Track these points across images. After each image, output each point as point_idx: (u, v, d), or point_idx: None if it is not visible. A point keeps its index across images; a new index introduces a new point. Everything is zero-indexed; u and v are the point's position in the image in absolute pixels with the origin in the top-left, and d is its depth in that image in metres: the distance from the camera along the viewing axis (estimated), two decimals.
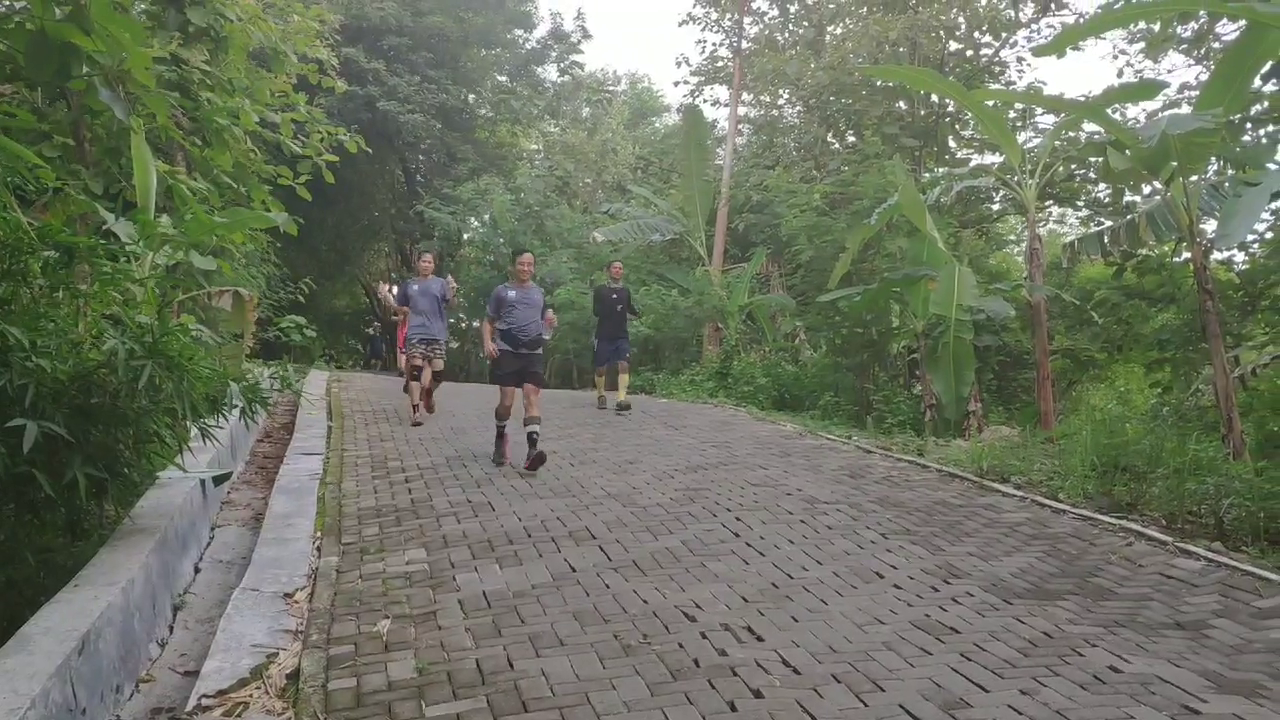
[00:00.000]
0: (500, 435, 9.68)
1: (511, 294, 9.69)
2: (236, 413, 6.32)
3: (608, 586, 5.84)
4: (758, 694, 4.30)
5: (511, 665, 4.60)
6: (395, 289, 22.49)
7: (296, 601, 5.58)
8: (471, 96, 32.46)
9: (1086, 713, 4.19)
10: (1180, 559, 6.53)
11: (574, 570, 6.15)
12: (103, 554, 5.07)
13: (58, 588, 4.54)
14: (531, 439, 9.23)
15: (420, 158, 33.01)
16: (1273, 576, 6.03)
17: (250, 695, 4.36)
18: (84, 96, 8.92)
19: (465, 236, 29.90)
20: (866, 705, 4.21)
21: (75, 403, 5.17)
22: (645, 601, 5.56)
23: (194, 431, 6.20)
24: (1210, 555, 6.51)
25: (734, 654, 4.77)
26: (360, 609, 5.46)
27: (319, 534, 6.97)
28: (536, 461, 9.10)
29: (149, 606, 5.02)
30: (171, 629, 5.38)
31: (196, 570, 6.37)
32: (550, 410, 13.81)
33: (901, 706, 4.19)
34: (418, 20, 29.57)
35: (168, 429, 5.89)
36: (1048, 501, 8.22)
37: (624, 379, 13.95)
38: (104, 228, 8.38)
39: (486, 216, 27.42)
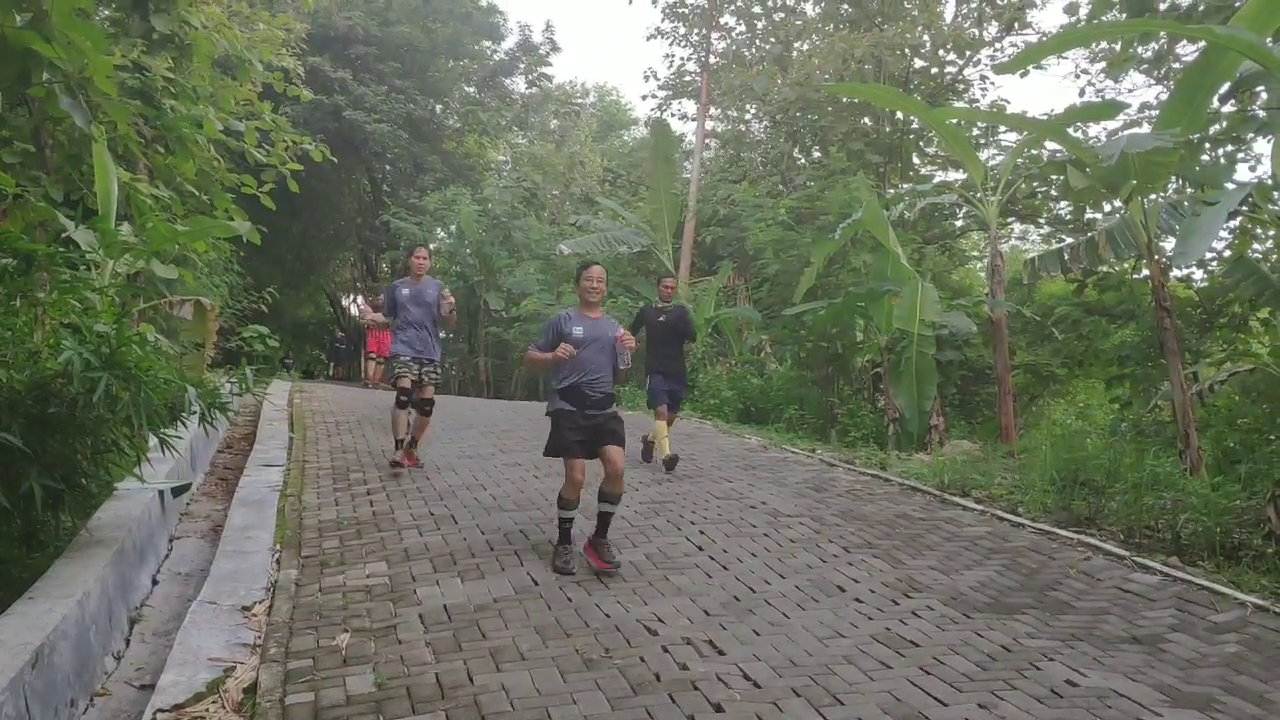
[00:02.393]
0: (566, 533, 6.68)
1: (578, 330, 6.69)
2: (196, 421, 6.25)
3: (570, 600, 5.83)
4: (718, 708, 4.30)
5: (471, 680, 4.58)
6: (379, 296, 22.05)
7: (255, 615, 5.52)
8: (439, 107, 32.42)
9: None
10: (1137, 573, 6.60)
11: (536, 584, 6.14)
12: (58, 566, 5.00)
13: (13, 600, 4.48)
14: (604, 521, 6.64)
15: (387, 167, 32.90)
16: (1228, 591, 6.11)
17: (206, 709, 4.31)
18: (45, 103, 8.83)
19: (432, 247, 29.77)
20: (826, 719, 4.23)
21: (32, 413, 5.10)
22: (607, 615, 5.56)
23: (153, 442, 6.13)
24: (1167, 570, 6.59)
25: (695, 668, 4.77)
26: (319, 622, 5.41)
27: (279, 547, 6.91)
28: (609, 558, 6.45)
29: (105, 619, 4.96)
30: (128, 642, 5.31)
31: (154, 583, 6.30)
32: (516, 421, 13.77)
33: None
34: (385, 30, 29.51)
35: (126, 439, 5.82)
36: (1008, 515, 8.28)
37: (663, 425, 10.47)
38: (64, 235, 8.29)
39: (453, 227, 27.34)
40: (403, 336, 9.59)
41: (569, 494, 6.64)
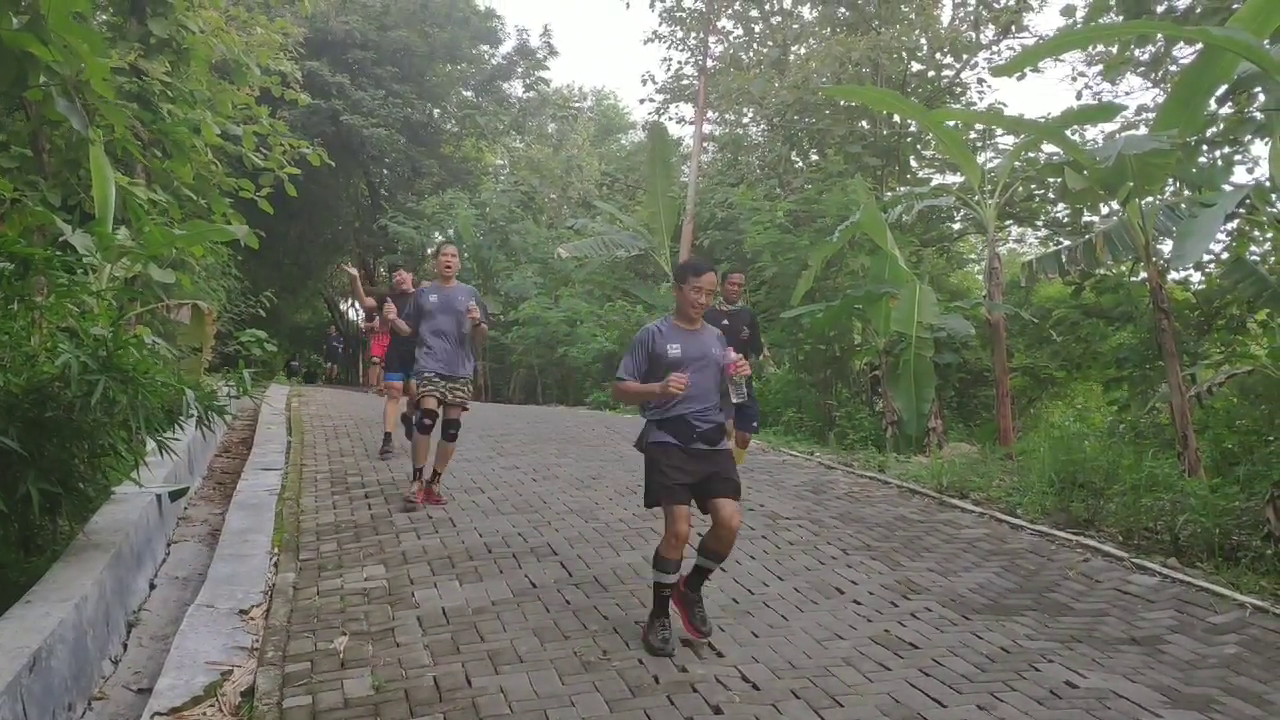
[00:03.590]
0: (665, 604, 5.25)
1: (674, 349, 5.37)
2: (193, 424, 6.25)
3: (568, 602, 5.82)
4: (717, 710, 4.30)
5: (470, 682, 4.57)
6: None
7: (252, 618, 5.52)
8: (436, 111, 32.43)
9: None
10: (1136, 575, 6.60)
11: (535, 586, 6.13)
12: (56, 570, 5.00)
13: (10, 604, 4.47)
14: (701, 575, 5.40)
15: (384, 171, 32.93)
16: (1226, 592, 6.11)
17: (204, 713, 4.31)
18: (42, 107, 8.83)
19: (429, 251, 29.79)
20: None
21: (29, 416, 5.09)
22: (605, 617, 5.55)
23: (151, 446, 6.12)
24: (1166, 571, 6.58)
25: (694, 670, 4.77)
26: (317, 626, 5.40)
27: (276, 550, 6.91)
28: (699, 622, 5.28)
29: (102, 623, 4.95)
30: (125, 646, 5.30)
31: (152, 586, 6.29)
32: (513, 425, 13.77)
33: None
34: (383, 35, 29.52)
35: (124, 443, 5.81)
36: (1006, 517, 8.28)
37: (737, 452, 8.58)
38: (61, 239, 8.28)
39: (451, 231, 27.34)
40: (427, 349, 8.34)
41: (670, 552, 5.17)
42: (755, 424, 9.96)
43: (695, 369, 5.32)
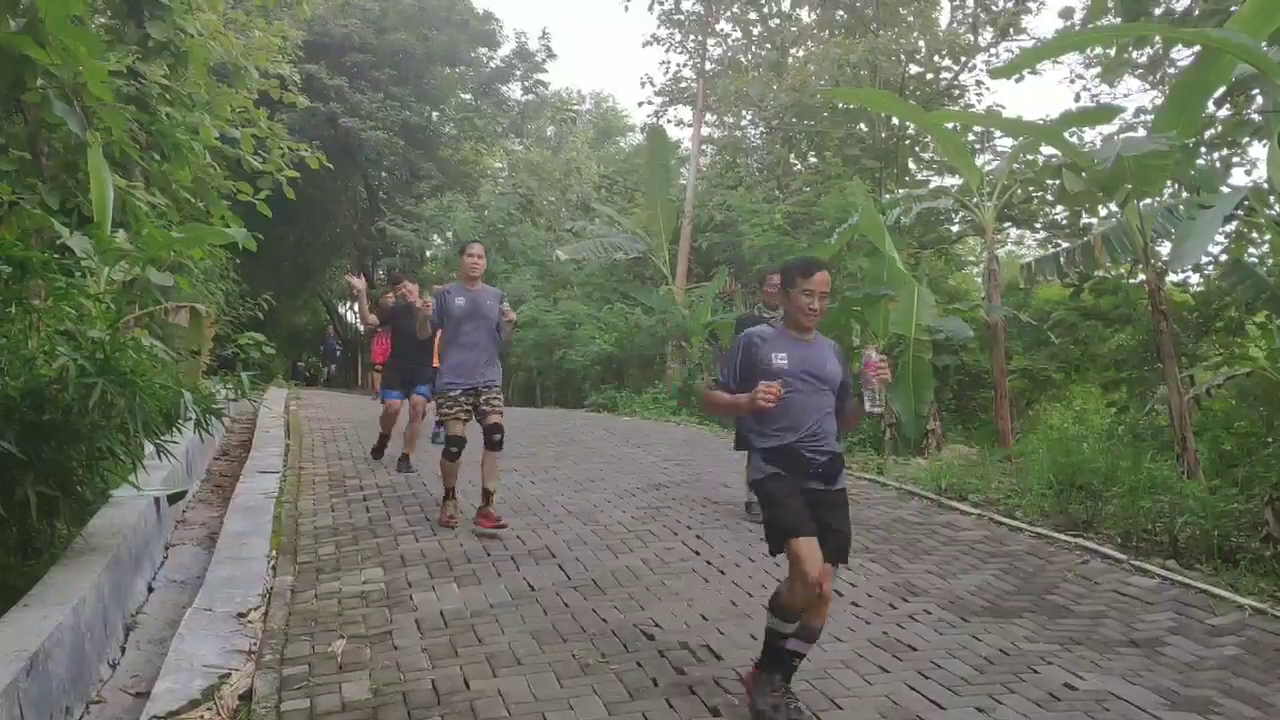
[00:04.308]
0: (782, 659, 4.38)
1: (780, 359, 4.45)
2: (191, 427, 6.24)
3: (567, 605, 5.81)
4: (715, 712, 4.29)
5: (468, 685, 4.56)
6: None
7: (250, 621, 5.51)
8: (435, 114, 32.43)
9: None
10: (1135, 577, 6.59)
11: (533, 589, 6.12)
12: (53, 573, 4.98)
13: (8, 607, 4.46)
14: (808, 640, 4.47)
15: (383, 174, 32.93)
16: (1225, 594, 6.10)
17: (202, 716, 4.30)
18: (40, 109, 8.82)
19: (428, 254, 29.82)
20: None
21: (27, 419, 5.08)
22: (604, 620, 5.54)
23: (149, 449, 6.11)
24: (1164, 573, 6.58)
25: (692, 673, 4.76)
26: (315, 629, 5.40)
27: (275, 553, 6.90)
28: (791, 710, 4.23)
29: (100, 626, 4.94)
30: (123, 649, 5.29)
31: (150, 590, 6.28)
32: (511, 427, 13.75)
33: None
34: (381, 38, 29.54)
35: (122, 446, 5.80)
36: (1005, 519, 8.27)
37: None
38: (59, 242, 8.28)
39: (449, 234, 27.35)
40: (452, 361, 7.46)
41: (795, 597, 4.23)
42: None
43: (807, 388, 4.40)
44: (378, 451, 10.56)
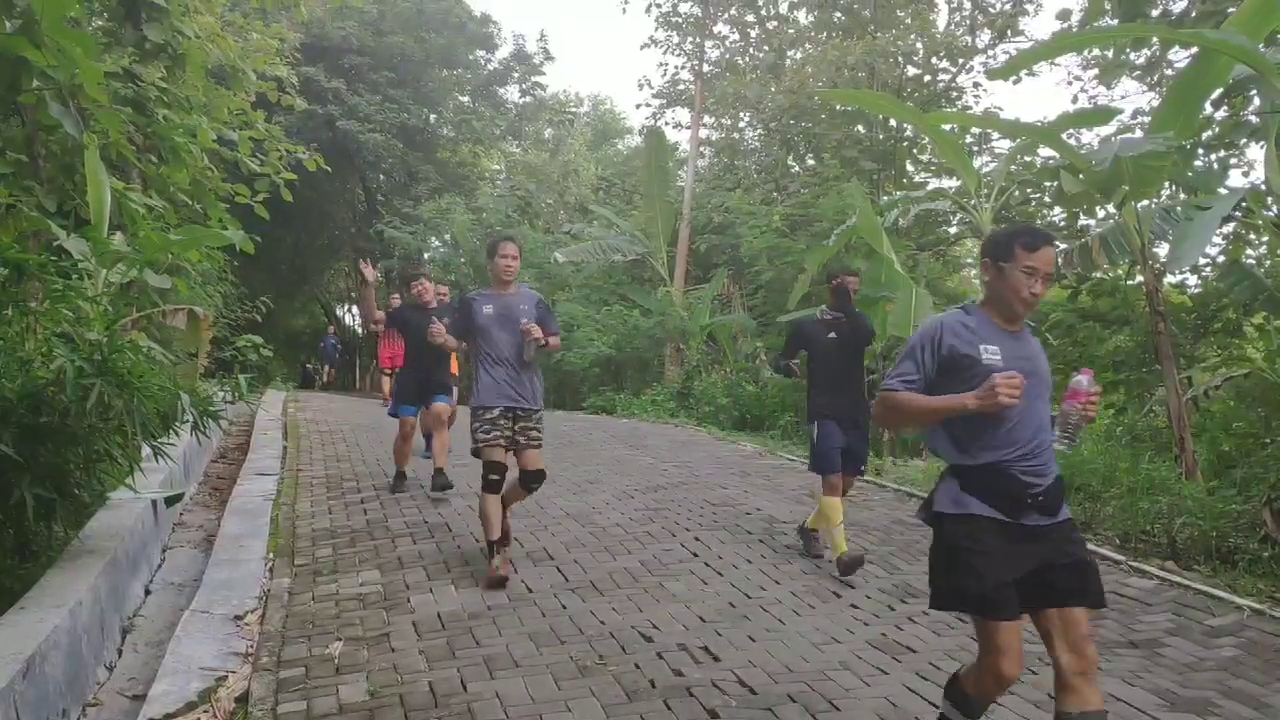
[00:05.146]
0: None
1: (991, 354, 3.47)
2: (189, 430, 6.23)
3: (564, 607, 5.81)
4: (714, 714, 4.28)
5: (465, 687, 4.55)
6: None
7: (247, 624, 5.50)
8: (433, 116, 32.42)
9: None
10: (1134, 578, 6.60)
11: (530, 591, 6.12)
12: (50, 575, 4.97)
13: (4, 609, 4.45)
14: None
15: (381, 177, 32.91)
16: (1224, 595, 6.10)
17: (198, 719, 4.29)
18: (36, 111, 8.82)
19: (426, 256, 29.80)
20: None
21: (24, 422, 5.07)
22: (602, 622, 5.53)
23: (146, 451, 6.10)
24: (1163, 574, 6.58)
25: (690, 674, 4.75)
26: (312, 631, 5.39)
27: (272, 555, 6.89)
28: None
29: (97, 629, 4.93)
30: (120, 652, 5.28)
31: (147, 592, 6.27)
32: None
33: None
34: (379, 40, 29.54)
35: (119, 448, 5.79)
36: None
37: (835, 503, 6.86)
38: (56, 245, 8.27)
39: (447, 236, 27.36)
40: (484, 380, 6.43)
41: (983, 689, 3.56)
42: (863, 466, 7.54)
43: (1026, 392, 3.32)
44: (399, 484, 9.17)
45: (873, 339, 7.76)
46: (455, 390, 9.54)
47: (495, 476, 6.35)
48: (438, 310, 8.57)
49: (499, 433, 6.33)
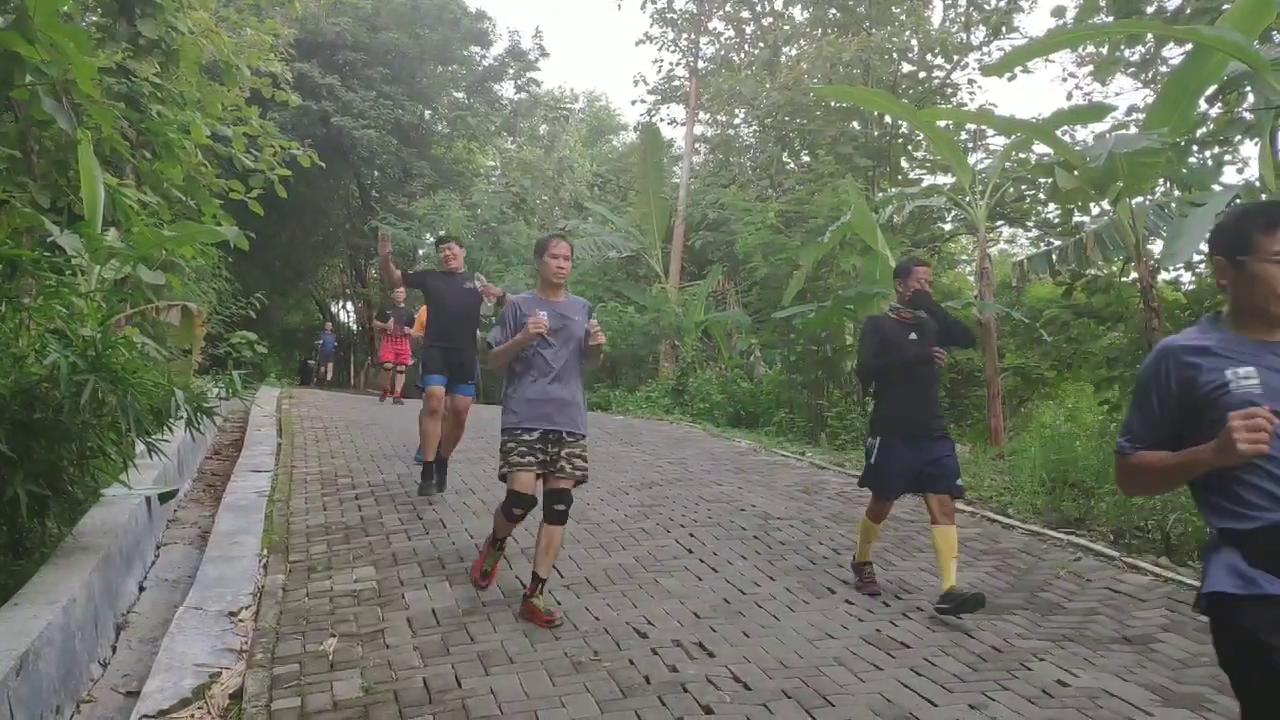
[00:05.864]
0: None
1: (1247, 382, 2.60)
2: (183, 426, 6.22)
3: (559, 603, 5.80)
4: (708, 710, 4.28)
5: (459, 683, 4.55)
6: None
7: (241, 620, 5.49)
8: (428, 112, 32.41)
9: None
10: (1128, 574, 6.61)
11: (525, 587, 6.10)
12: (44, 572, 4.96)
13: None
14: None
15: (375, 173, 32.87)
16: None
17: (192, 715, 4.28)
18: (30, 107, 8.80)
19: (420, 253, 29.77)
20: None
21: (17, 418, 5.06)
22: (597, 618, 5.53)
23: (141, 447, 6.09)
24: (1157, 570, 6.59)
25: (685, 670, 4.75)
26: (306, 627, 5.38)
27: (266, 552, 6.88)
28: None
29: (91, 626, 4.92)
30: (114, 649, 5.27)
31: (141, 589, 6.26)
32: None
33: None
34: (373, 36, 29.49)
35: (113, 445, 5.79)
36: (997, 517, 8.28)
37: (949, 532, 5.91)
38: (50, 240, 8.25)
39: (442, 232, 27.32)
40: (527, 395, 5.63)
41: None
42: (959, 481, 6.24)
43: None
44: (430, 475, 8.50)
45: (971, 342, 6.89)
46: (478, 380, 8.89)
47: (520, 510, 5.62)
48: (464, 278, 8.44)
49: (532, 458, 5.53)
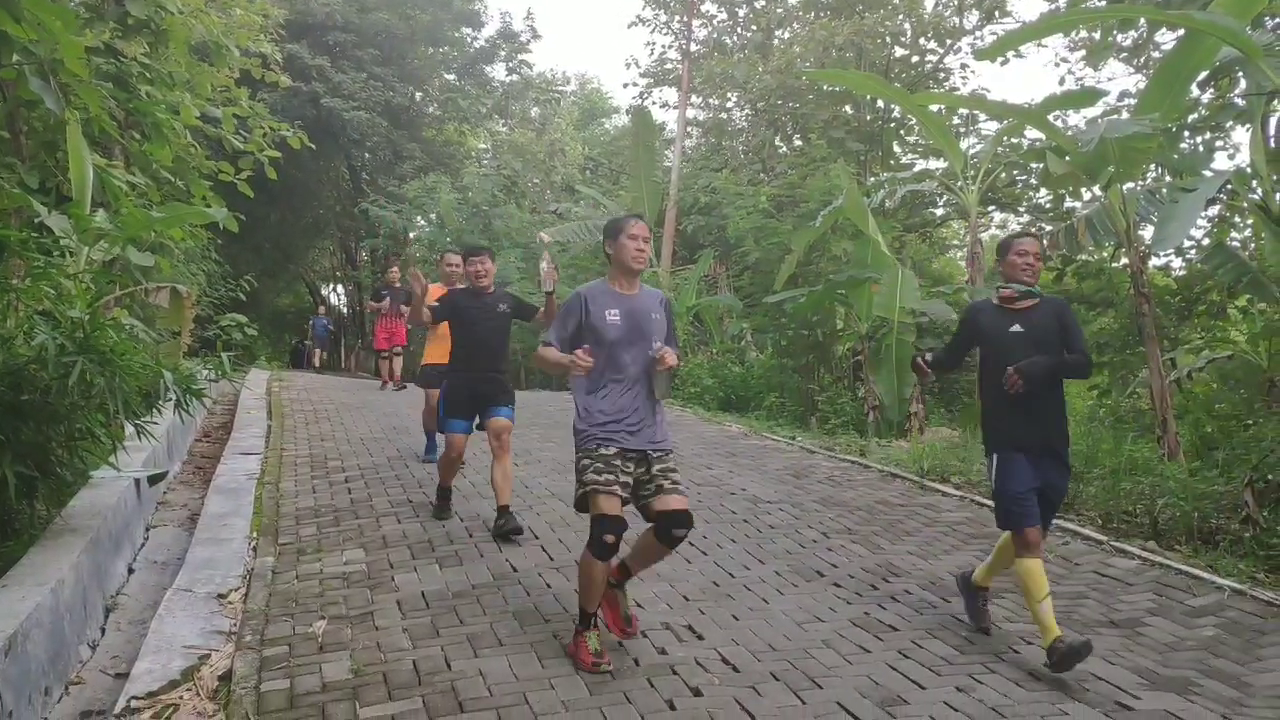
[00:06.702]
0: None
1: None
2: (172, 408, 6.20)
3: (549, 586, 5.81)
4: (697, 692, 4.30)
5: (449, 665, 4.56)
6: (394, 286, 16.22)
7: (230, 602, 5.49)
8: (418, 94, 32.23)
9: (1021, 709, 4.24)
10: (1115, 558, 6.63)
11: (515, 570, 6.12)
12: (32, 554, 4.95)
13: None
14: None
15: (366, 155, 32.68)
16: (1205, 575, 6.14)
17: (180, 697, 4.28)
18: (17, 87, 8.74)
19: (411, 235, 29.67)
20: (805, 703, 4.23)
21: (5, 399, 5.05)
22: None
23: (129, 429, 6.07)
24: (1145, 554, 6.62)
25: (674, 652, 4.77)
26: (296, 610, 5.38)
27: (255, 534, 6.87)
28: None
29: (80, 607, 4.91)
30: (103, 630, 5.27)
31: (130, 571, 6.25)
32: None
33: (839, 704, 4.21)
34: (363, 16, 29.31)
35: (101, 427, 5.77)
36: (987, 501, 8.28)
37: (1035, 566, 4.93)
38: (38, 221, 8.21)
39: (433, 215, 27.24)
40: (603, 404, 4.80)
41: None
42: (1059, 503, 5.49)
43: None
44: (443, 506, 7.46)
45: (1086, 372, 5.48)
46: (513, 399, 7.45)
47: (611, 538, 4.61)
48: (496, 298, 7.28)
49: (613, 478, 4.65)
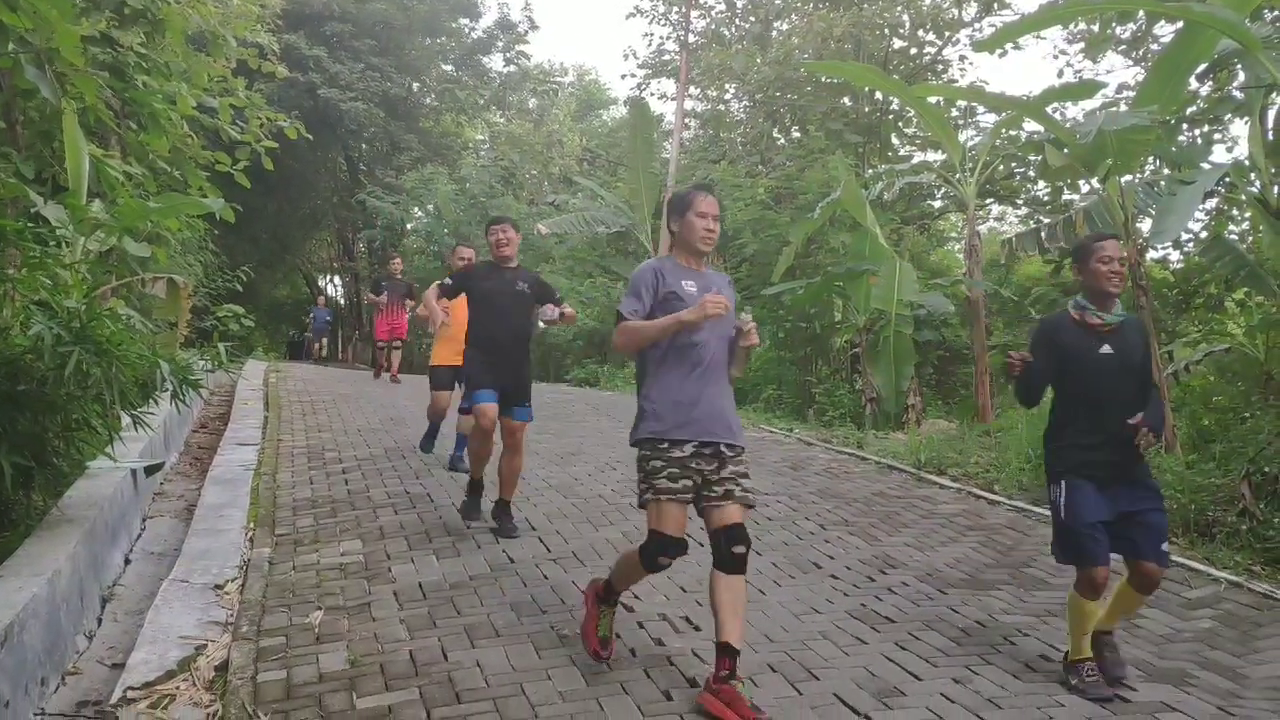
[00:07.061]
0: None
1: None
2: (168, 399, 6.19)
3: (546, 578, 5.81)
4: (693, 683, 4.30)
5: (446, 656, 4.56)
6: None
7: (227, 593, 5.49)
8: (416, 85, 32.18)
9: (1018, 701, 4.24)
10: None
11: (512, 561, 6.12)
12: (29, 544, 4.94)
13: None
14: None
15: (363, 146, 32.66)
16: (1201, 567, 6.16)
17: (177, 687, 4.28)
18: (13, 76, 8.70)
19: (409, 226, 29.64)
20: (801, 694, 4.23)
21: (1, 390, 5.03)
22: (584, 592, 5.53)
23: (126, 420, 6.06)
24: None
25: (671, 644, 4.77)
26: (292, 600, 5.38)
27: (252, 525, 6.87)
28: None
29: (76, 598, 4.90)
30: (100, 621, 5.26)
31: (127, 562, 6.24)
32: None
33: (836, 695, 4.21)
34: (360, 6, 29.25)
35: (98, 417, 5.76)
36: (983, 493, 8.32)
37: (1091, 619, 4.51)
38: (34, 211, 8.18)
39: (430, 207, 27.22)
40: (672, 395, 4.32)
41: None
42: (1166, 544, 4.63)
43: None
44: (472, 505, 7.03)
45: (1160, 426, 4.65)
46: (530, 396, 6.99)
47: (668, 560, 4.24)
48: (517, 274, 6.79)
49: (682, 479, 4.18)
